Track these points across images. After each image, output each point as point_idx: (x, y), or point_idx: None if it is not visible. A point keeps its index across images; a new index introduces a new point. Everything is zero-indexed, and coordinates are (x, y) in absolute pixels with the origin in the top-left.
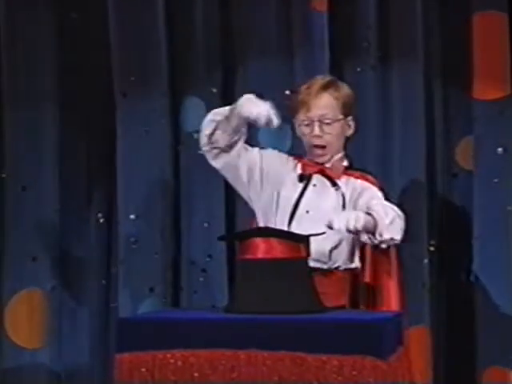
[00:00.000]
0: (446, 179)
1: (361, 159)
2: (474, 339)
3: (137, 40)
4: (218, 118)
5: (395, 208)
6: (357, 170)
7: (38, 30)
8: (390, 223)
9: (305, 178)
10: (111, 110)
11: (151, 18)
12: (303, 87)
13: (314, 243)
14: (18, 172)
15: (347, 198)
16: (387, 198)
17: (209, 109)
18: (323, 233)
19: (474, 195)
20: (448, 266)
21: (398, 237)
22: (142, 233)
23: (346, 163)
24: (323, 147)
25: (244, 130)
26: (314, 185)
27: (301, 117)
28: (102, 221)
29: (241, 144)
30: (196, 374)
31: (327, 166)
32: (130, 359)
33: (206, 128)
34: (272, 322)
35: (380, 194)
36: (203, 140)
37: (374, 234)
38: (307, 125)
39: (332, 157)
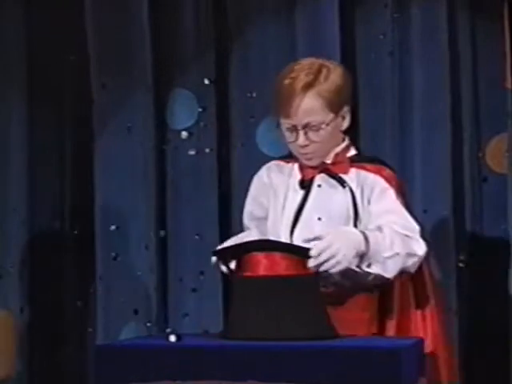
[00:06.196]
0: (477, 184)
1: None
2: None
3: (117, 24)
4: None
5: (408, 238)
6: (368, 158)
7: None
8: (388, 258)
9: (307, 183)
10: (88, 103)
11: None
12: (285, 78)
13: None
14: None
15: (358, 197)
16: (407, 205)
17: (201, 103)
18: None
19: (508, 203)
20: (480, 284)
21: (388, 275)
22: (123, 246)
23: (352, 152)
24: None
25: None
26: (319, 185)
27: (282, 120)
28: (76, 232)
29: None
30: None
31: (328, 161)
32: None
33: None
34: (274, 349)
35: (397, 205)
36: None
37: (361, 259)
38: (290, 130)
39: (327, 153)
